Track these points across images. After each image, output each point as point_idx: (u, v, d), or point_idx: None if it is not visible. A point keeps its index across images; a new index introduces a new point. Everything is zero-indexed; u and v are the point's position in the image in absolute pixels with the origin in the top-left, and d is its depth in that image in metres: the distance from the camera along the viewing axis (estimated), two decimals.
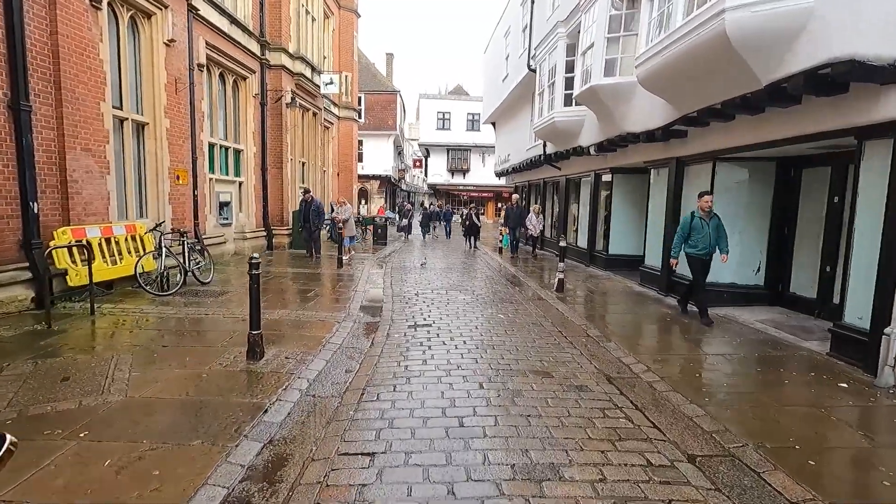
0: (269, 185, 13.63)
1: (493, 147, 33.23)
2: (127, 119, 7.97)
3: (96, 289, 6.38)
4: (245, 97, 12.53)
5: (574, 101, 11.52)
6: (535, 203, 17.22)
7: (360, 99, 33.79)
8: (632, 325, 6.55)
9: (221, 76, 11.62)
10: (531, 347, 5.27)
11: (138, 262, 6.96)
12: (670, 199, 8.28)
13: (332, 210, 12.73)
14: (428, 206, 20.69)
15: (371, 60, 36.33)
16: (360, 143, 34.54)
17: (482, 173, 37.90)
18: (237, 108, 12.46)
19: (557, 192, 15.80)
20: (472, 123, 37.45)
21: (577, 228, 13.59)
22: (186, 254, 7.79)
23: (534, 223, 14.60)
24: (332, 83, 15.51)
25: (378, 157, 34.72)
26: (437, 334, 5.68)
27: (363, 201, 36.43)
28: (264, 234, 13.50)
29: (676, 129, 7.66)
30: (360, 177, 34.35)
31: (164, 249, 7.27)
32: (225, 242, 11.46)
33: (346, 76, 22.31)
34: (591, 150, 10.93)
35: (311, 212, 12.38)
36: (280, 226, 14.04)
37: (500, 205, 41.69)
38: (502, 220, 16.08)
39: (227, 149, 11.96)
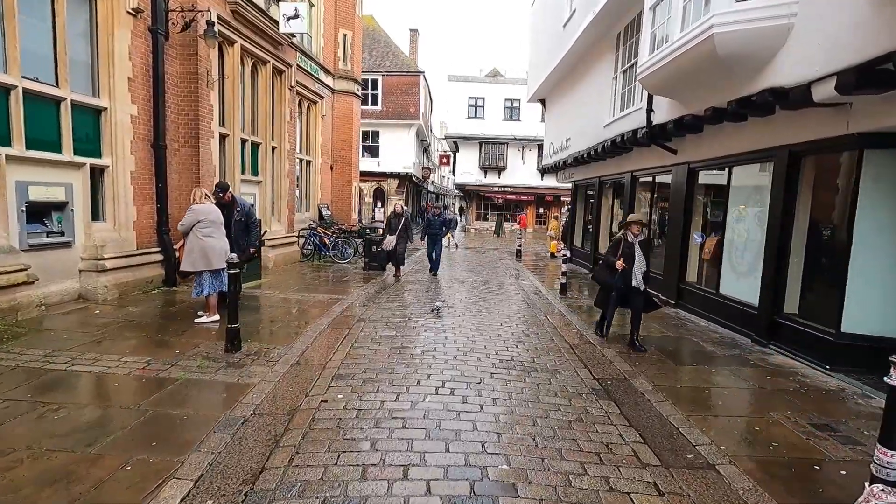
0: (169, 173, 7.90)
1: (537, 139, 26.59)
2: None
3: None
4: (110, 12, 6.83)
5: None
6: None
7: (376, 81, 28.14)
8: None
9: None
10: None
11: None
12: None
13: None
14: (429, 211, 13.63)
15: (392, 38, 30.65)
16: (377, 134, 28.89)
17: (521, 172, 31.41)
18: (92, 31, 6.76)
19: (658, 197, 9.46)
20: (511, 111, 31.03)
21: (719, 267, 7.24)
22: None
23: None
24: (297, 16, 9.71)
25: (397, 151, 28.82)
26: None
27: (380, 204, 30.72)
28: (159, 258, 7.74)
29: None
30: (374, 174, 28.67)
31: None
32: (29, 283, 5.72)
33: (346, 34, 16.63)
34: (820, 93, 4.63)
35: (235, 224, 6.64)
36: None
37: (541, 210, 34.50)
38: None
39: (57, 102, 6.24)
